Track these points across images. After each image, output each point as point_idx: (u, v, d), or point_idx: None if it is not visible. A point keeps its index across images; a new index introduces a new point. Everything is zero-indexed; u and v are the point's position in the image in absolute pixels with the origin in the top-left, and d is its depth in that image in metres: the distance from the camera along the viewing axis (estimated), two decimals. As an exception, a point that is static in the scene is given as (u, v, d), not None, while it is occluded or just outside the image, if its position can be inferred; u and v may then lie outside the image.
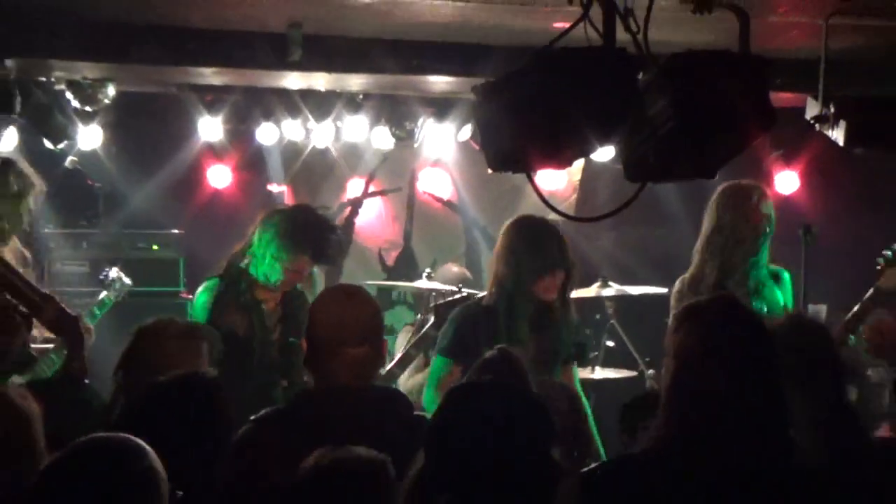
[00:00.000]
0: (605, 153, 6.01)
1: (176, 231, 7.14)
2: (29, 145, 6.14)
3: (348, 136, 7.01)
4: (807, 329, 3.24)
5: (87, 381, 4.17)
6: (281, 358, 4.80)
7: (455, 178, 8.07)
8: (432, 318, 5.10)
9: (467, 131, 6.96)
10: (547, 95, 3.11)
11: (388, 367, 5.22)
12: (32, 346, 4.52)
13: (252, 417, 3.22)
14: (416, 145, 7.21)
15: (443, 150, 7.43)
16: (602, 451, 4.50)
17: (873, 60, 5.68)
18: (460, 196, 8.13)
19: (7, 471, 2.63)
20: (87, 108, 6.16)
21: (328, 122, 6.79)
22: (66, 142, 6.23)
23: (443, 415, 2.56)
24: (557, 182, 7.75)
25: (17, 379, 4.12)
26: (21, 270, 4.57)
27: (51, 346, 4.70)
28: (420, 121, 6.95)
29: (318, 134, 6.86)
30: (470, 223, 8.13)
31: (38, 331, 4.61)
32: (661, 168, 3.38)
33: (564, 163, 3.49)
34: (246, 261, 4.78)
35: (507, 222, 4.70)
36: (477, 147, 6.83)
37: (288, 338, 4.77)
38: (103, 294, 5.67)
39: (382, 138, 7.01)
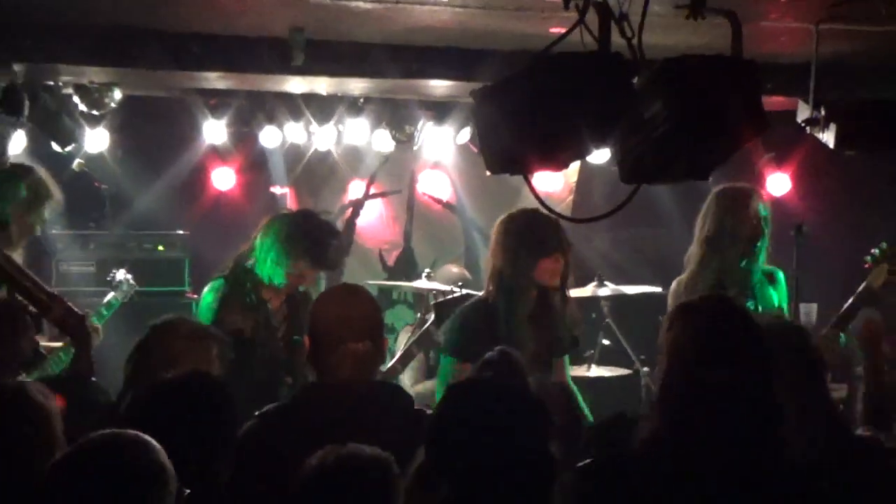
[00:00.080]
0: (600, 155, 6.04)
1: (181, 232, 7.14)
2: (37, 148, 6.14)
3: (350, 139, 7.01)
4: (786, 331, 3.25)
5: (93, 378, 4.18)
6: (285, 356, 4.81)
7: (454, 180, 8.07)
8: (432, 317, 5.10)
9: (466, 134, 6.97)
10: (544, 99, 3.11)
11: (390, 364, 5.21)
12: (42, 343, 4.52)
13: (256, 413, 3.23)
14: (415, 148, 7.21)
15: (442, 152, 7.42)
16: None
17: (863, 65, 5.68)
18: (459, 198, 8.13)
19: (28, 466, 2.63)
20: (94, 112, 6.16)
21: (330, 126, 6.79)
22: (73, 145, 6.22)
23: (443, 410, 2.56)
24: (554, 184, 7.76)
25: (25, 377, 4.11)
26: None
27: (59, 344, 4.70)
28: (420, 124, 6.95)
29: (320, 137, 6.86)
30: (468, 224, 8.12)
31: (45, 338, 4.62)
32: (655, 170, 3.38)
33: (561, 165, 3.49)
34: (251, 261, 4.79)
35: (498, 219, 4.68)
36: (475, 150, 6.83)
37: (292, 336, 4.78)
38: (111, 295, 5.67)
39: (383, 141, 7.01)
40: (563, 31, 3.22)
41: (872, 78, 5.77)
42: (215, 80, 6.23)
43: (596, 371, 6.08)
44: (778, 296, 4.94)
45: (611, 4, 3.27)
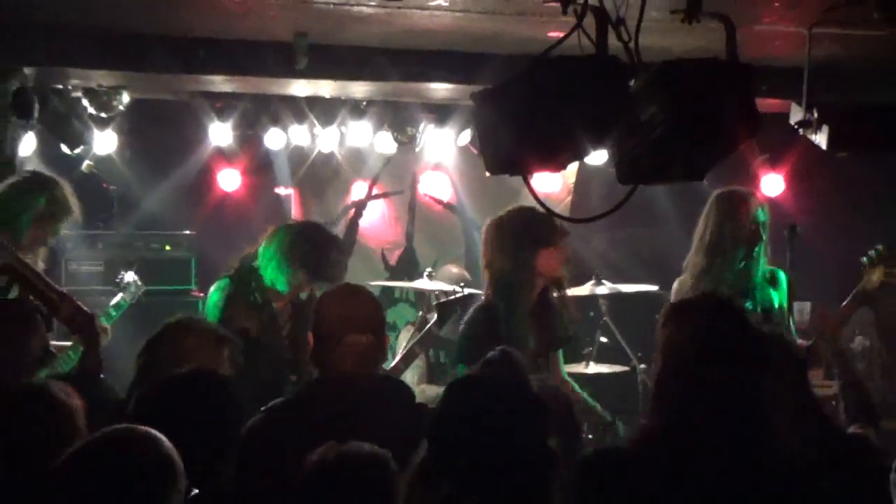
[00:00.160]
0: (598, 157, 6.03)
1: (188, 232, 7.13)
2: (47, 150, 6.14)
3: (352, 141, 7.01)
4: (770, 335, 3.26)
5: (102, 375, 4.18)
6: (290, 354, 4.81)
7: (455, 181, 8.06)
8: (435, 317, 5.10)
9: (466, 136, 6.97)
10: (542, 102, 3.11)
11: (393, 363, 5.21)
12: (53, 343, 4.52)
13: (261, 409, 3.23)
14: (417, 150, 7.21)
15: (443, 154, 7.43)
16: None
17: (855, 68, 5.68)
18: (460, 198, 8.12)
19: (53, 463, 2.63)
20: (103, 115, 6.17)
21: (333, 128, 6.79)
22: (82, 147, 6.22)
23: (445, 406, 2.56)
24: (553, 185, 7.76)
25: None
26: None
27: (68, 343, 4.70)
28: (421, 126, 6.95)
29: (324, 139, 6.87)
30: (469, 224, 8.11)
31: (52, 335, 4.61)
32: (652, 171, 3.38)
33: (559, 166, 3.48)
34: (256, 262, 4.80)
35: (488, 222, 4.67)
36: (476, 151, 6.84)
37: (297, 335, 4.78)
38: (119, 296, 5.66)
39: (385, 143, 7.01)
40: (561, 34, 3.21)
41: (864, 81, 5.77)
42: (221, 83, 6.23)
43: (594, 368, 6.08)
44: (779, 297, 4.91)
45: (608, 9, 3.27)
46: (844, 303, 4.60)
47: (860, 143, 4.57)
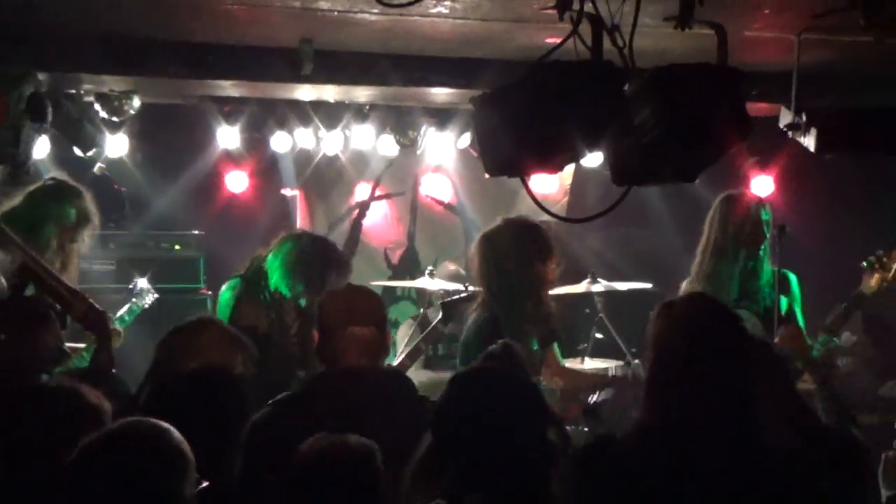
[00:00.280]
0: (593, 159, 6.03)
1: (197, 232, 7.14)
2: (60, 153, 6.14)
3: (356, 144, 7.01)
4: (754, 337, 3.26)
5: (114, 371, 4.18)
6: (298, 351, 4.82)
7: (455, 182, 8.07)
8: (440, 315, 5.14)
9: (466, 139, 6.96)
10: (540, 106, 3.12)
11: (399, 359, 5.23)
12: (67, 344, 4.53)
13: (269, 402, 3.24)
14: (418, 152, 7.21)
15: (443, 156, 7.42)
16: None
17: (842, 73, 5.68)
18: (460, 199, 8.13)
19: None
20: (114, 119, 6.16)
21: (337, 131, 6.79)
22: (94, 150, 6.22)
23: (449, 398, 2.57)
24: (550, 186, 7.76)
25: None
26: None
27: (82, 345, 4.72)
28: (422, 129, 6.95)
29: (328, 142, 6.86)
30: (469, 224, 8.12)
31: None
32: (645, 172, 3.38)
33: (556, 168, 3.49)
34: (266, 262, 4.83)
35: (481, 236, 4.72)
36: (475, 154, 6.84)
37: (305, 332, 4.80)
38: (132, 301, 5.68)
39: (388, 146, 7.01)
40: (558, 41, 3.22)
41: (851, 85, 5.76)
42: (229, 88, 6.23)
43: (590, 363, 6.08)
44: (788, 299, 4.87)
45: (603, 16, 3.27)
46: (843, 307, 4.58)
47: (847, 145, 4.57)
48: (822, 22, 4.37)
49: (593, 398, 4.79)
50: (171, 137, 7.01)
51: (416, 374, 6.09)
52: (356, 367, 3.18)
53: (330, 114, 6.72)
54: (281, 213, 7.48)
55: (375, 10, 4.61)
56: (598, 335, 6.38)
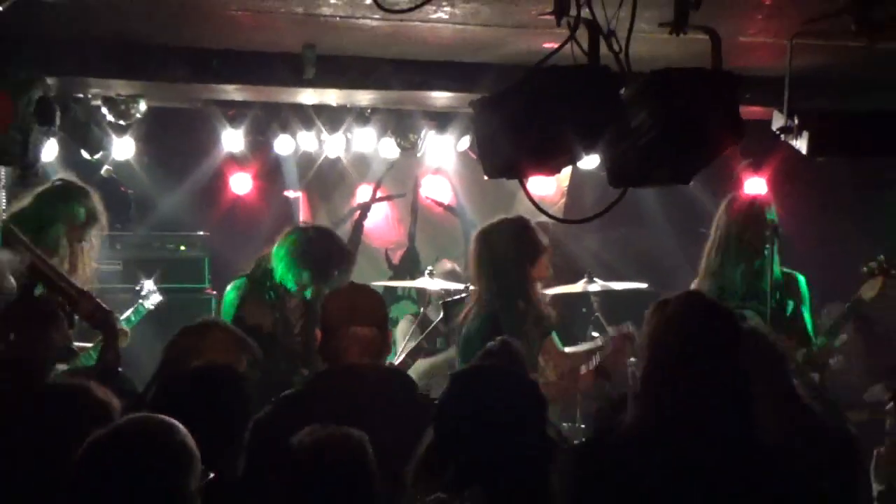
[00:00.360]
0: (590, 161, 6.03)
1: (201, 233, 7.14)
2: (68, 156, 6.15)
3: (358, 147, 7.01)
4: (753, 334, 3.25)
5: (120, 369, 4.19)
6: (302, 349, 4.82)
7: (454, 184, 8.07)
8: (441, 314, 5.16)
9: (466, 142, 6.97)
10: (538, 109, 3.12)
11: (401, 357, 5.24)
12: (76, 343, 4.53)
13: (272, 399, 3.24)
14: (419, 155, 7.21)
15: (443, 159, 7.43)
16: None
17: (833, 77, 5.68)
18: (459, 201, 8.13)
19: None
20: (121, 122, 6.16)
21: (339, 134, 6.79)
22: (101, 152, 6.22)
23: (450, 395, 2.57)
24: (548, 188, 7.75)
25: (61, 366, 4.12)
26: None
27: (89, 345, 4.72)
28: (423, 132, 6.95)
29: (331, 145, 6.86)
30: (468, 226, 8.10)
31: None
32: (641, 174, 3.38)
33: (554, 170, 3.49)
34: (272, 263, 4.84)
35: (477, 233, 4.72)
36: (474, 156, 6.83)
37: (309, 332, 4.80)
38: (139, 303, 5.69)
39: (389, 148, 7.01)
40: (555, 46, 3.22)
41: (842, 89, 5.77)
42: (233, 92, 6.24)
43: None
44: (794, 300, 4.84)
45: (600, 22, 3.27)
46: (842, 311, 4.57)
47: (839, 148, 4.57)
48: (814, 27, 4.37)
49: (593, 361, 4.80)
50: (176, 140, 7.02)
51: (417, 362, 6.11)
52: (358, 365, 3.18)
53: (332, 117, 6.72)
54: (284, 214, 7.48)
55: (377, 16, 4.61)
56: (595, 334, 6.38)
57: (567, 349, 5.28)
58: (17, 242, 4.40)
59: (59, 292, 4.27)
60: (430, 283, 6.35)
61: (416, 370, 5.92)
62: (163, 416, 2.51)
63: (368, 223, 8.11)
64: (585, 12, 3.21)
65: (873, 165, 6.26)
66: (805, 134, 4.42)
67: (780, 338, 4.31)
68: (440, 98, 6.31)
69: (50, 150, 5.98)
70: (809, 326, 4.80)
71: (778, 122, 4.57)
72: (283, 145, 6.78)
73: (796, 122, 4.46)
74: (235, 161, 7.14)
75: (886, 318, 5.87)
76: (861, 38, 4.03)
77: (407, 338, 6.10)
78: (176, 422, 2.48)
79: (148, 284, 5.83)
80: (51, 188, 5.06)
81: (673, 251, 7.11)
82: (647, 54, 4.18)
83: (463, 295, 5.32)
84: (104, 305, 4.35)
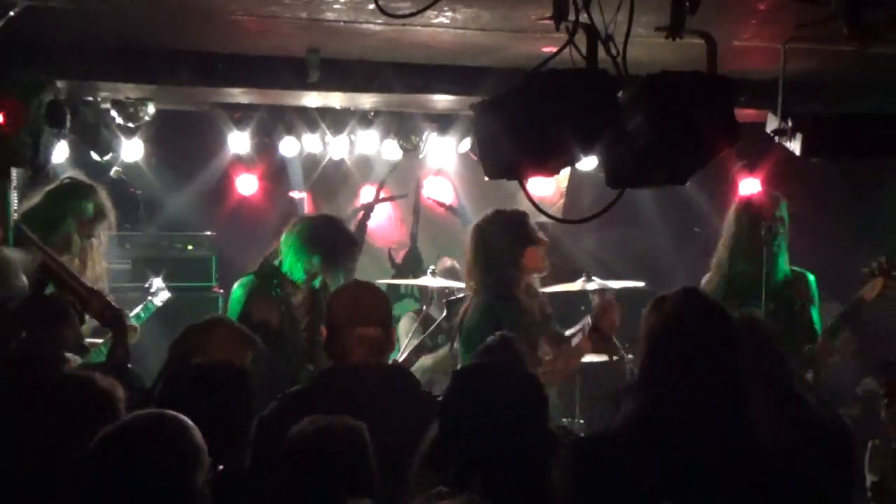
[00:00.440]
0: (588, 162, 6.04)
1: (209, 233, 7.16)
2: (78, 157, 6.15)
3: (361, 149, 7.02)
4: (755, 328, 3.25)
5: (129, 365, 4.19)
6: (307, 345, 4.83)
7: (456, 185, 8.07)
8: (444, 312, 5.16)
9: (467, 144, 6.97)
10: (537, 112, 3.12)
11: (404, 355, 5.24)
12: (87, 339, 4.53)
13: (278, 396, 3.24)
14: (421, 156, 7.22)
15: (445, 160, 7.44)
16: None
17: (826, 80, 5.69)
18: (460, 201, 8.13)
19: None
20: (130, 125, 6.17)
21: (343, 136, 6.80)
22: (110, 154, 6.23)
23: (453, 392, 2.57)
24: (547, 188, 7.75)
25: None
26: None
27: (100, 340, 4.73)
28: (425, 135, 6.95)
29: (335, 146, 6.87)
30: (469, 225, 8.11)
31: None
32: (638, 176, 3.38)
33: (553, 171, 3.49)
34: (278, 259, 4.84)
35: (473, 227, 4.71)
36: (475, 158, 6.83)
37: (315, 328, 4.80)
38: (147, 300, 5.70)
39: (391, 150, 7.02)
40: (554, 50, 3.22)
41: (835, 92, 5.77)
42: (239, 95, 6.24)
43: (585, 357, 6.07)
44: (802, 298, 4.82)
45: (598, 26, 3.27)
46: (841, 312, 4.56)
47: (832, 149, 4.57)
48: (806, 32, 4.37)
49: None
50: (184, 142, 7.02)
51: (421, 359, 6.12)
52: (363, 363, 3.17)
53: (336, 120, 6.73)
54: (289, 214, 7.44)
55: (380, 21, 4.62)
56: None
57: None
58: (28, 242, 4.40)
59: (70, 291, 4.27)
60: (431, 281, 6.36)
61: (419, 367, 5.92)
62: (171, 412, 2.51)
63: (372, 223, 8.12)
64: (584, 17, 3.21)
65: (865, 166, 6.26)
66: (798, 136, 4.42)
67: (782, 333, 4.33)
68: (441, 101, 6.31)
69: (60, 152, 5.99)
70: (817, 325, 4.79)
71: (772, 124, 4.58)
72: (289, 147, 6.78)
73: (790, 124, 4.46)
74: (242, 162, 7.15)
75: (886, 319, 5.86)
76: (853, 43, 4.02)
77: (409, 335, 6.11)
78: (184, 417, 2.48)
79: (157, 281, 5.84)
80: (59, 186, 5.06)
81: (669, 251, 7.12)
82: (644, 58, 4.18)
83: (464, 295, 5.33)
84: (114, 303, 4.36)
